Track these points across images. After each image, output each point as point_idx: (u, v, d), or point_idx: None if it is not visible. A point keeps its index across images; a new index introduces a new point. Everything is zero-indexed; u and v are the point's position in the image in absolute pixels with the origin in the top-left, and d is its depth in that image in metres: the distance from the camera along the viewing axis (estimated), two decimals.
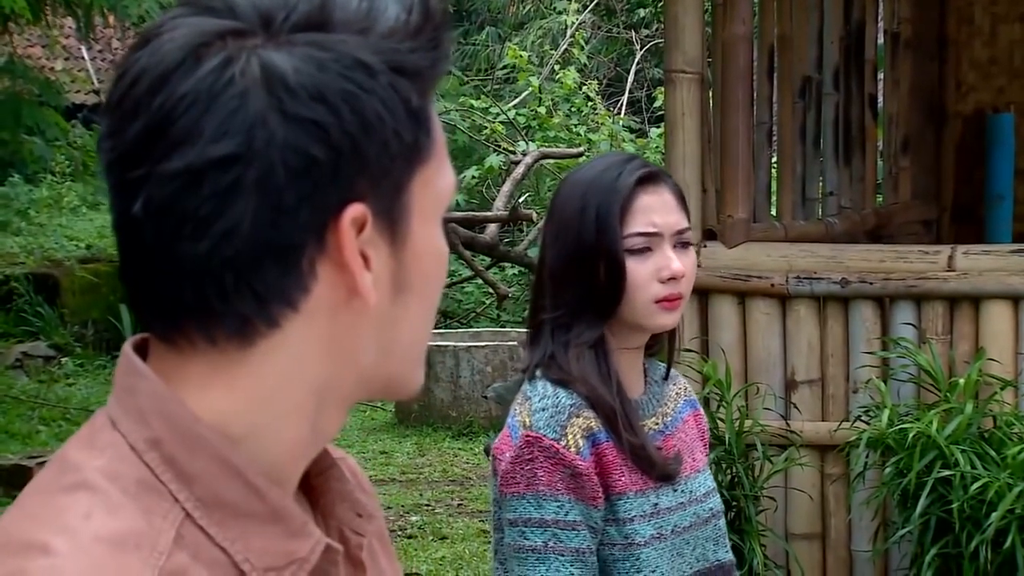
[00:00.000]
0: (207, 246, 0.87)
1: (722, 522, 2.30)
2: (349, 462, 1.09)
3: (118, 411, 0.92)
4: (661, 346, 2.32)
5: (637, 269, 2.14)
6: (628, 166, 2.19)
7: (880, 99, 6.65)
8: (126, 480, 0.89)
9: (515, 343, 9.34)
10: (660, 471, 2.17)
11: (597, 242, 2.14)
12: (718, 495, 2.32)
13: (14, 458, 7.65)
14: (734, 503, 4.14)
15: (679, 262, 2.16)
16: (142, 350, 0.95)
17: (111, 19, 10.64)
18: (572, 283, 2.15)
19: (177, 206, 0.87)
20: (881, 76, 6.82)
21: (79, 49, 16.80)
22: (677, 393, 2.34)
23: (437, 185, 0.96)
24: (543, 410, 2.11)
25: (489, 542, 5.98)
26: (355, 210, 0.89)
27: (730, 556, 2.30)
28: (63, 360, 10.49)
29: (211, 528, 0.90)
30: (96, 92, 16.22)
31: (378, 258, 0.92)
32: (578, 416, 2.11)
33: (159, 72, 0.88)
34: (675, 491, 2.20)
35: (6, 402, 9.23)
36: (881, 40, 6.56)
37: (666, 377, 2.33)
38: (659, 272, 2.15)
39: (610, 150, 12.35)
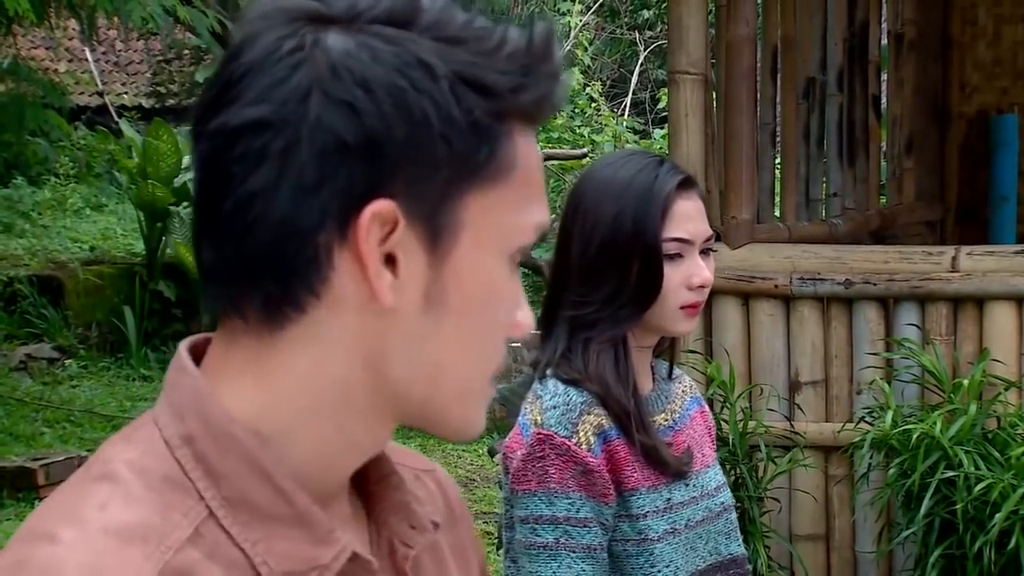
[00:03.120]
0: (231, 205, 0.89)
1: (733, 516, 2.31)
2: (438, 475, 1.10)
3: (160, 406, 0.95)
4: (666, 346, 2.32)
5: (668, 274, 2.15)
6: (662, 168, 2.18)
7: (884, 100, 6.65)
8: (152, 475, 0.90)
9: (519, 344, 9.33)
10: (674, 469, 2.18)
11: (633, 243, 2.13)
12: (728, 489, 2.33)
13: (18, 460, 7.65)
14: (738, 504, 4.13)
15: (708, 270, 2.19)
16: (202, 350, 0.97)
17: (115, 21, 10.64)
18: (602, 281, 2.15)
19: (214, 162, 0.91)
20: (885, 77, 6.81)
21: (83, 51, 16.80)
22: (683, 391, 2.35)
23: (508, 217, 0.94)
24: (554, 408, 2.12)
25: (493, 544, 5.99)
26: (381, 205, 0.89)
27: (742, 549, 2.32)
28: (67, 362, 10.47)
29: (233, 528, 0.90)
30: (100, 94, 16.22)
31: (409, 263, 0.91)
32: (589, 413, 2.12)
33: (240, 43, 0.93)
34: (687, 486, 2.21)
35: (10, 404, 9.23)
36: (885, 41, 6.55)
37: (670, 375, 2.34)
38: (689, 279, 2.17)
39: (615, 151, 12.32)
